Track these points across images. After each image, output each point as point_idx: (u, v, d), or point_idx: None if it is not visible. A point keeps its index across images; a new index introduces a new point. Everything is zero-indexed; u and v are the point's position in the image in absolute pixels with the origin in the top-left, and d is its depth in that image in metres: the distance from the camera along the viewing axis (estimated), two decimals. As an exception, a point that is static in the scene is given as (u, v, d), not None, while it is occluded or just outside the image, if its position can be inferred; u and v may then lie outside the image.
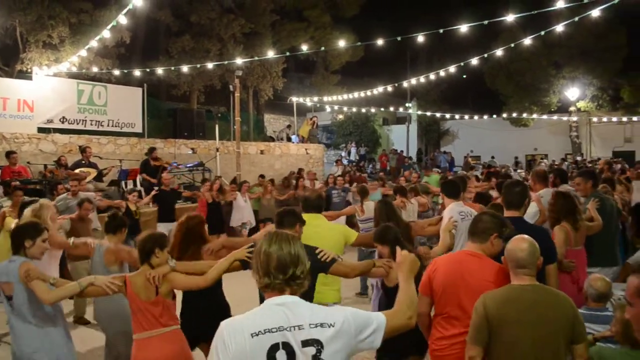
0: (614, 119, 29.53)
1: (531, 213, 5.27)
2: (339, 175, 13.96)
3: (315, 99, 25.22)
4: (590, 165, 21.56)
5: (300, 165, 19.21)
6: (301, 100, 24.26)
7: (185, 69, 17.16)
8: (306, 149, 21.24)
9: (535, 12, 9.67)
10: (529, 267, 2.98)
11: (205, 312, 4.19)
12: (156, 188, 10.85)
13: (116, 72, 16.40)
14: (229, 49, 20.40)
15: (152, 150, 13.40)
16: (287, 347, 1.93)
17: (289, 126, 24.02)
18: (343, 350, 2.02)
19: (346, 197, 12.72)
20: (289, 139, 22.14)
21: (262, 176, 13.48)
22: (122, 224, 5.14)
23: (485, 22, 9.94)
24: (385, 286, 4.09)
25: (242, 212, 11.71)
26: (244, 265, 3.55)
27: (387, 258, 3.96)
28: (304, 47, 19.48)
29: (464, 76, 32.22)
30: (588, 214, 5.32)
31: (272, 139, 23.13)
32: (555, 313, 2.87)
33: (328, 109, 28.41)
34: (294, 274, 2.06)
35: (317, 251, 3.61)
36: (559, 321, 2.86)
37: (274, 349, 1.93)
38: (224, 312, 4.33)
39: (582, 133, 31.48)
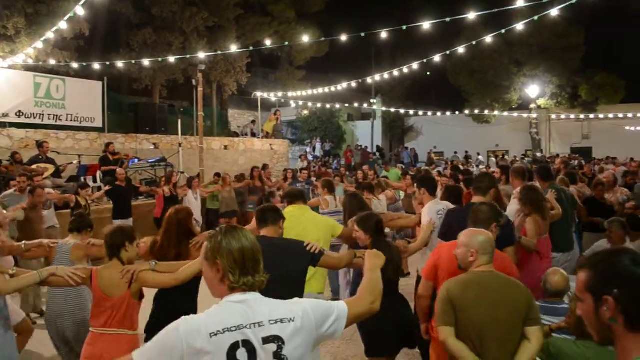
0: (572, 116, 30.32)
1: (512, 211, 5.46)
2: (302, 169, 13.93)
3: (280, 94, 25.10)
4: (549, 160, 22.11)
5: (265, 161, 19.10)
6: (265, 95, 24.10)
7: (146, 62, 16.84)
8: (271, 145, 21.14)
9: (497, 10, 9.84)
10: (488, 254, 3.25)
11: (176, 314, 4.01)
12: (109, 184, 10.52)
13: (75, 65, 15.97)
14: (192, 43, 20.12)
15: (108, 145, 13.20)
16: (248, 345, 1.89)
17: (253, 121, 23.88)
18: (305, 343, 1.99)
19: (309, 190, 12.74)
20: (253, 135, 22.00)
21: (217, 175, 13.26)
22: (89, 225, 5.02)
23: (448, 19, 10.06)
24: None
25: (192, 208, 11.39)
26: None
27: (365, 243, 4.07)
28: (268, 42, 19.36)
29: (428, 73, 32.59)
30: (549, 204, 5.59)
31: (236, 135, 22.94)
32: (511, 297, 3.12)
33: (293, 104, 28.30)
34: (261, 269, 2.04)
35: (305, 244, 3.61)
36: (516, 304, 3.10)
37: (234, 347, 1.87)
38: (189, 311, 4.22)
39: (542, 130, 32.24)
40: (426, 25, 10.85)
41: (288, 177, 13.16)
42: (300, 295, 3.52)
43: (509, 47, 29.75)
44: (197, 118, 15.61)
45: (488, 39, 13.20)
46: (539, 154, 28.40)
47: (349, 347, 5.67)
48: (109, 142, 13.61)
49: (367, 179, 11.28)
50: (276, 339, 1.92)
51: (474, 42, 13.68)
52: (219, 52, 18.92)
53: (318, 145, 30.09)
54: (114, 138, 15.34)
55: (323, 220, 4.90)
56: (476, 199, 4.59)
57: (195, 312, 4.09)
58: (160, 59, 16.89)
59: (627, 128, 28.93)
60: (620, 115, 28.42)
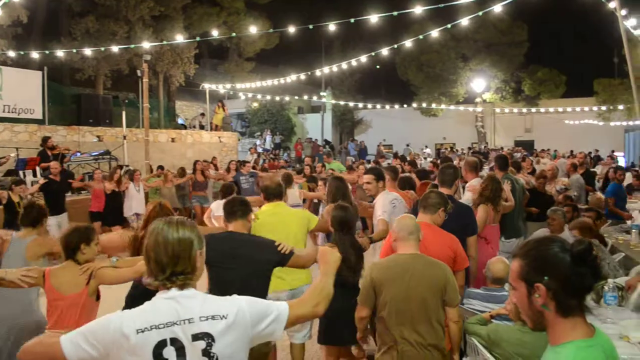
0: (516, 110, 31.25)
1: (466, 202, 5.64)
2: (246, 161, 13.82)
3: (229, 86, 24.79)
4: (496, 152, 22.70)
5: (214, 154, 18.86)
6: (214, 87, 23.74)
7: (88, 52, 16.28)
8: (219, 137, 20.86)
9: (443, 5, 10.00)
10: (415, 234, 3.50)
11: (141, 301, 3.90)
12: (43, 178, 10.08)
13: (11, 54, 15.29)
14: (137, 32, 19.58)
15: (46, 139, 12.69)
16: (176, 342, 1.85)
17: (202, 114, 23.51)
18: (238, 341, 1.94)
19: (254, 183, 12.62)
20: (202, 127, 21.66)
21: (161, 167, 12.99)
22: (43, 214, 4.57)
23: (395, 13, 10.15)
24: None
25: (135, 201, 11.13)
26: None
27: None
28: (216, 33, 19.05)
29: (377, 67, 32.92)
30: (504, 194, 5.87)
31: (184, 127, 22.53)
32: (428, 277, 3.36)
33: (242, 96, 28.03)
34: (194, 265, 1.96)
35: (276, 244, 3.59)
36: (431, 284, 3.35)
37: (160, 345, 1.84)
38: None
39: (487, 123, 33.08)
40: (374, 18, 10.92)
41: (231, 169, 12.99)
42: (266, 292, 3.58)
43: (456, 42, 30.42)
44: (143, 110, 15.22)
45: (434, 33, 13.42)
46: (484, 147, 29.13)
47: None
48: (47, 136, 13.07)
49: (314, 171, 11.36)
50: (206, 336, 1.88)
51: (421, 37, 13.87)
52: (165, 42, 18.48)
53: (268, 138, 29.94)
54: (55, 130, 14.80)
55: (300, 214, 4.93)
56: (442, 190, 4.70)
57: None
58: (103, 49, 16.36)
59: (567, 121, 30.04)
60: (561, 109, 29.47)
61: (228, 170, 12.93)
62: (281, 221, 4.50)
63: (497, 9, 10.57)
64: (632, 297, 4.97)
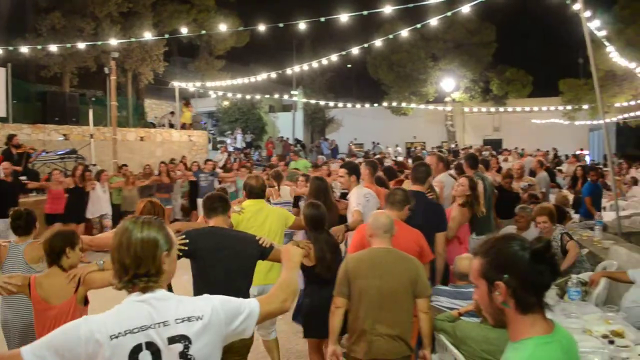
0: (484, 109, 31.68)
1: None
2: (207, 160, 13.61)
3: (199, 84, 24.55)
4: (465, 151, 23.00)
5: (184, 153, 18.67)
6: (184, 85, 23.49)
7: (54, 48, 15.92)
8: (189, 136, 20.65)
9: (412, 5, 10.08)
10: (388, 232, 3.70)
11: None
12: None
13: (-27, 50, 14.85)
14: (105, 29, 19.25)
15: (10, 137, 12.35)
16: (152, 346, 1.81)
17: (172, 112, 23.24)
18: (213, 341, 1.92)
19: (214, 182, 12.50)
20: (171, 126, 21.41)
21: (124, 165, 12.72)
22: (33, 219, 4.52)
23: (365, 12, 10.20)
24: (303, 265, 4.24)
25: (101, 203, 10.87)
26: (179, 255, 3.48)
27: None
28: (185, 30, 18.84)
29: (349, 66, 33.02)
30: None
31: (153, 125, 22.23)
32: (399, 270, 3.57)
33: (213, 95, 27.78)
34: (159, 267, 1.91)
35: (257, 238, 3.74)
36: (401, 277, 3.55)
37: (136, 350, 1.79)
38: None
39: (457, 122, 33.47)
40: (344, 17, 10.95)
41: (193, 169, 12.92)
42: (249, 286, 3.77)
43: (426, 42, 30.71)
44: (110, 108, 14.96)
45: (404, 33, 13.51)
46: (453, 145, 29.48)
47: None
48: (12, 134, 12.74)
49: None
50: (182, 338, 1.85)
51: (391, 36, 13.96)
52: (134, 40, 18.18)
53: (239, 137, 29.77)
54: (19, 129, 14.44)
55: (278, 211, 5.13)
56: (415, 188, 5.07)
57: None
58: (69, 45, 16.03)
59: (534, 121, 30.58)
60: (528, 109, 29.97)
61: (188, 168, 12.68)
62: (260, 217, 4.76)
63: (466, 9, 10.70)
64: (595, 292, 5.10)
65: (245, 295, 3.57)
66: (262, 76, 19.88)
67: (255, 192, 4.99)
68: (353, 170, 5.81)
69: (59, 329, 1.82)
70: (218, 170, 13.63)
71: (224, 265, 3.58)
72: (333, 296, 3.70)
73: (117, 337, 1.77)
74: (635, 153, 34.24)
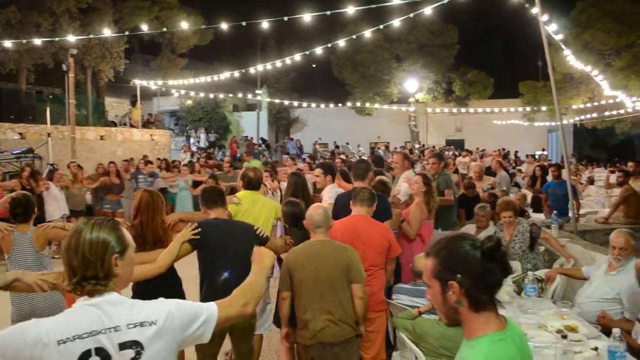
0: (446, 110, 32.15)
1: (403, 191, 6.33)
2: (149, 162, 13.15)
3: (161, 82, 24.16)
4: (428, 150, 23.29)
5: (145, 152, 18.33)
6: (145, 83, 23.07)
7: (8, 44, 15.41)
8: (151, 135, 20.29)
9: (375, 6, 10.15)
10: (322, 226, 3.91)
11: (158, 291, 3.80)
12: None
13: None
14: (63, 25, 18.71)
15: None
16: (101, 352, 1.75)
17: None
18: (167, 347, 1.86)
19: (154, 183, 12.00)
20: (132, 125, 21.00)
21: (72, 162, 12.24)
22: (32, 206, 4.50)
23: (328, 12, 10.23)
24: (280, 258, 4.56)
25: (59, 202, 10.32)
26: (193, 245, 3.78)
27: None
28: (145, 27, 18.51)
29: (314, 66, 33.04)
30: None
31: (113, 124, 21.77)
32: (334, 259, 3.79)
33: (176, 93, 27.40)
34: (109, 270, 1.85)
35: (255, 228, 4.07)
36: (337, 265, 3.77)
37: (84, 356, 1.73)
38: (178, 288, 4.20)
39: (420, 122, 33.87)
40: (307, 17, 10.95)
41: (130, 169, 12.53)
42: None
43: (390, 43, 30.97)
44: (69, 106, 14.58)
45: (367, 33, 13.60)
46: (417, 145, 29.82)
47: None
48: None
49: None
50: (134, 344, 1.79)
51: (354, 36, 14.03)
52: (92, 36, 17.75)
53: (202, 136, 29.44)
54: (-29, 127, 13.97)
55: (270, 203, 5.46)
56: (357, 184, 5.36)
57: (180, 286, 4.21)
58: (25, 41, 15.55)
59: (495, 121, 31.19)
60: (489, 110, 30.55)
61: (127, 170, 12.09)
62: (257, 208, 5.10)
63: (428, 11, 10.82)
64: (551, 288, 5.22)
65: None
66: (225, 75, 19.70)
67: (253, 184, 5.28)
68: (328, 170, 6.24)
69: (6, 330, 1.76)
70: (177, 169, 13.40)
71: (231, 254, 3.83)
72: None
73: (64, 342, 1.72)
74: (592, 154, 35.37)
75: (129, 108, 21.13)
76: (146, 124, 20.75)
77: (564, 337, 3.52)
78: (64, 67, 14.80)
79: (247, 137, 30.72)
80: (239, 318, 2.13)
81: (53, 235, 4.42)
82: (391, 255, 4.46)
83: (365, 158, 22.63)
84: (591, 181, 15.55)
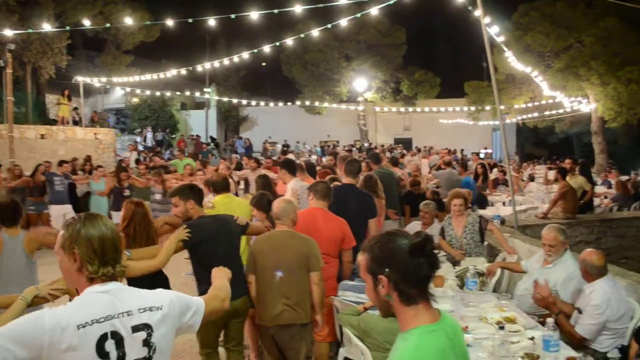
0: (395, 109, 32.64)
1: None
2: (65, 162, 12.00)
3: (105, 79, 23.51)
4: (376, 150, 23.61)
5: (89, 152, 17.80)
6: (88, 80, 22.40)
7: (-59, 38, 14.72)
8: (95, 134, 19.72)
9: (322, 5, 10.21)
10: (282, 219, 4.19)
11: (148, 285, 3.87)
12: None
13: None
14: (0, 19, 17.96)
15: None
16: (116, 335, 1.87)
17: (75, 108, 22.13)
18: (170, 332, 2.05)
19: (67, 184, 11.30)
20: (75, 123, 20.36)
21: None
22: (19, 209, 4.49)
23: (276, 11, 10.22)
24: None
25: None
26: (187, 244, 4.03)
27: (263, 220, 5.00)
28: (88, 23, 17.97)
29: (263, 64, 32.90)
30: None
31: (55, 122, 21.04)
32: (295, 248, 4.09)
33: (121, 91, 26.72)
34: (121, 258, 2.03)
35: (234, 217, 4.38)
36: (297, 254, 4.07)
37: (102, 339, 1.85)
38: (165, 283, 4.27)
39: (369, 121, 34.28)
40: (255, 15, 10.90)
41: (39, 170, 11.36)
42: (239, 263, 4.34)
43: (339, 43, 31.15)
44: (7, 103, 14.01)
45: (315, 32, 13.66)
46: (366, 144, 30.15)
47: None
48: None
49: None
50: (145, 327, 1.95)
51: (302, 35, 14.07)
52: (31, 31, 17.08)
53: (149, 135, 28.85)
54: None
55: (243, 203, 5.76)
56: (347, 180, 5.77)
57: (167, 280, 4.32)
58: (-42, 35, 14.86)
59: (442, 121, 31.90)
60: (435, 109, 31.21)
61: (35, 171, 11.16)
62: (232, 208, 5.22)
63: (374, 11, 10.96)
64: (492, 281, 5.40)
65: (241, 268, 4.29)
66: (172, 72, 19.36)
67: (219, 186, 5.59)
68: (288, 166, 6.81)
69: (21, 319, 1.83)
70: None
71: (224, 247, 4.14)
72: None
73: (84, 326, 1.81)
74: (534, 151, 36.68)
75: (56, 105, 20.28)
76: (63, 120, 19.85)
77: (501, 328, 3.65)
78: (1, 63, 14.22)
79: (193, 135, 30.21)
80: (220, 312, 2.43)
81: (47, 241, 4.39)
82: (345, 246, 4.72)
83: (315, 157, 22.79)
84: (532, 178, 16.12)
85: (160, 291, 2.10)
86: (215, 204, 5.36)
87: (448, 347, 1.68)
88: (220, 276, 2.63)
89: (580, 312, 4.02)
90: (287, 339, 4.09)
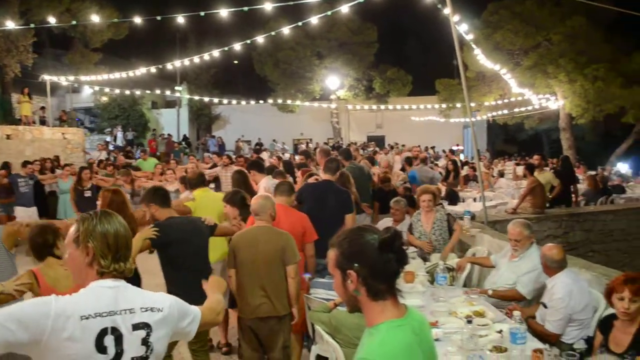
0: (367, 107, 32.77)
1: None
2: (29, 163, 11.84)
3: (72, 78, 23.06)
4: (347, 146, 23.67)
5: (57, 152, 17.46)
6: (56, 79, 21.95)
7: None
8: (63, 134, 19.33)
9: (292, 3, 10.18)
10: (261, 214, 4.31)
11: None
12: None
13: None
14: (-38, 16, 17.51)
15: None
16: (115, 331, 1.89)
17: (42, 108, 21.68)
18: (167, 335, 2.07)
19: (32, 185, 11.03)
20: (42, 122, 19.92)
21: None
22: None
23: (246, 8, 10.17)
24: None
25: None
26: (155, 243, 4.05)
27: (234, 217, 5.03)
28: (53, 20, 17.60)
29: (235, 62, 32.66)
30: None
31: (21, 122, 20.57)
32: (271, 243, 4.21)
33: (90, 89, 26.23)
34: (130, 256, 2.07)
35: (202, 219, 4.48)
36: (274, 248, 4.19)
37: (102, 333, 1.87)
38: (138, 282, 4.31)
39: (342, 119, 34.32)
40: (224, 13, 10.82)
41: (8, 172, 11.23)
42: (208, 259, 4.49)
43: (311, 41, 31.13)
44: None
45: (286, 30, 13.64)
46: (340, 142, 30.20)
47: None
48: None
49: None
50: (145, 326, 1.97)
51: (273, 33, 14.03)
52: (-6, 28, 16.70)
53: (119, 134, 28.42)
54: None
55: (219, 197, 5.81)
56: (326, 177, 5.96)
57: (139, 277, 4.43)
58: None
59: (413, 118, 32.13)
60: (407, 107, 31.43)
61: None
62: (210, 202, 5.66)
63: (345, 9, 10.98)
64: (462, 276, 5.47)
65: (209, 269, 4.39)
66: (142, 70, 19.09)
67: (194, 182, 5.86)
68: (255, 166, 7.29)
69: (29, 301, 1.87)
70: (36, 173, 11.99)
71: (194, 248, 4.21)
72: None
73: (87, 318, 1.84)
74: (504, 148, 37.24)
75: (17, 104, 19.75)
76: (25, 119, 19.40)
77: (469, 321, 3.70)
78: (-36, 61, 13.85)
79: (164, 134, 29.82)
80: (213, 325, 2.51)
81: (24, 234, 4.31)
82: (307, 240, 4.92)
83: (288, 155, 22.74)
84: (502, 174, 16.38)
85: (161, 294, 2.15)
86: (196, 197, 5.64)
87: (414, 342, 1.69)
88: (217, 288, 2.65)
89: (545, 306, 4.10)
90: (266, 331, 4.22)
